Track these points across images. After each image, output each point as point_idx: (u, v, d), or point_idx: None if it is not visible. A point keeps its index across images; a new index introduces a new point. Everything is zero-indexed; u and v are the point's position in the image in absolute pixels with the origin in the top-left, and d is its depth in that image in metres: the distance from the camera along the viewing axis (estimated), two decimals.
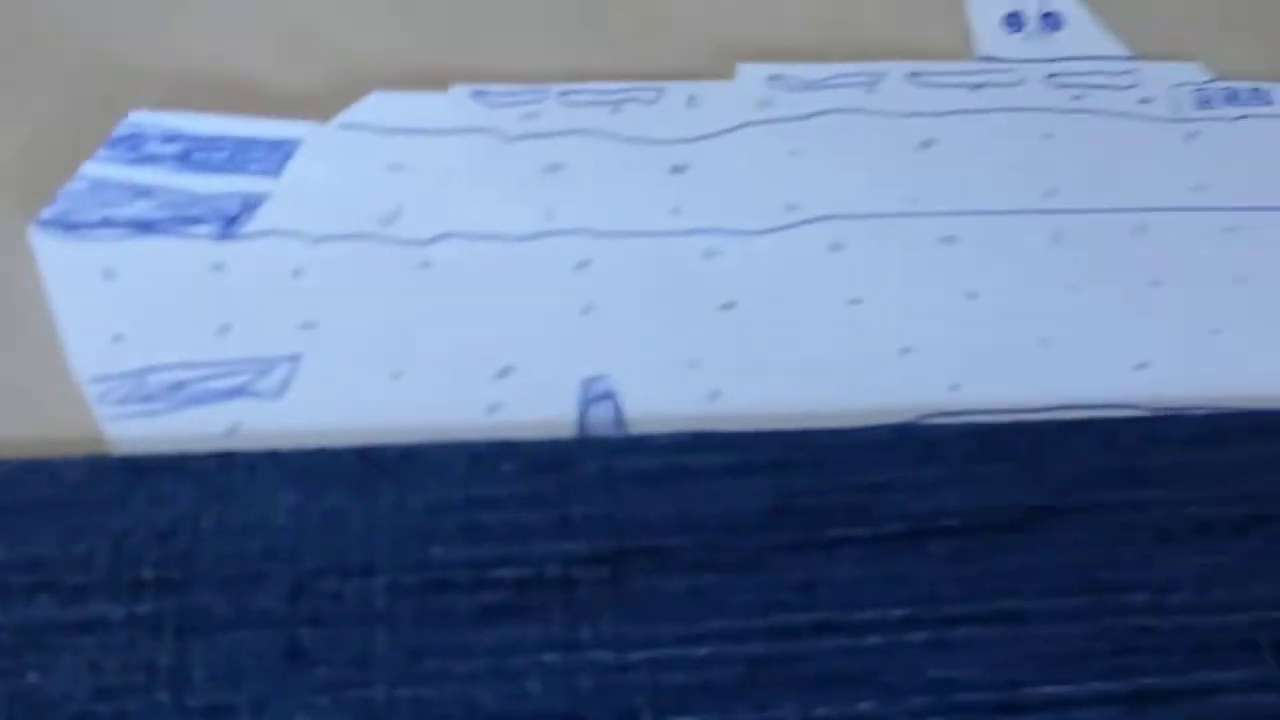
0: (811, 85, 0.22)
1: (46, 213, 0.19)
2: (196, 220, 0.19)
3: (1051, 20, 0.23)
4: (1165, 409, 0.19)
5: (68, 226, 0.19)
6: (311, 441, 0.18)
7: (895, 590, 0.17)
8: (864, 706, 0.16)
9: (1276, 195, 0.22)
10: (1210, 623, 0.17)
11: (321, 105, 0.20)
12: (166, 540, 0.16)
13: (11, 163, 0.19)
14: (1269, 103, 0.23)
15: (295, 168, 0.20)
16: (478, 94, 0.21)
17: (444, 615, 0.16)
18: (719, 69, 0.21)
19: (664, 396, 0.19)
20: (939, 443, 0.18)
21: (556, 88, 0.21)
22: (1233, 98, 0.23)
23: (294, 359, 0.18)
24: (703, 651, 0.17)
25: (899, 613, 0.17)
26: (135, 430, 0.17)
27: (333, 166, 0.20)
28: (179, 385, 0.18)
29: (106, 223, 0.19)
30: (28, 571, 0.16)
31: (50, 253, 0.19)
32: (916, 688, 0.16)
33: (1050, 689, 0.17)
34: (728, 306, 0.20)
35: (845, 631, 0.17)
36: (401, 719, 0.15)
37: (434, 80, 0.20)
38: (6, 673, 0.15)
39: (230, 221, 0.19)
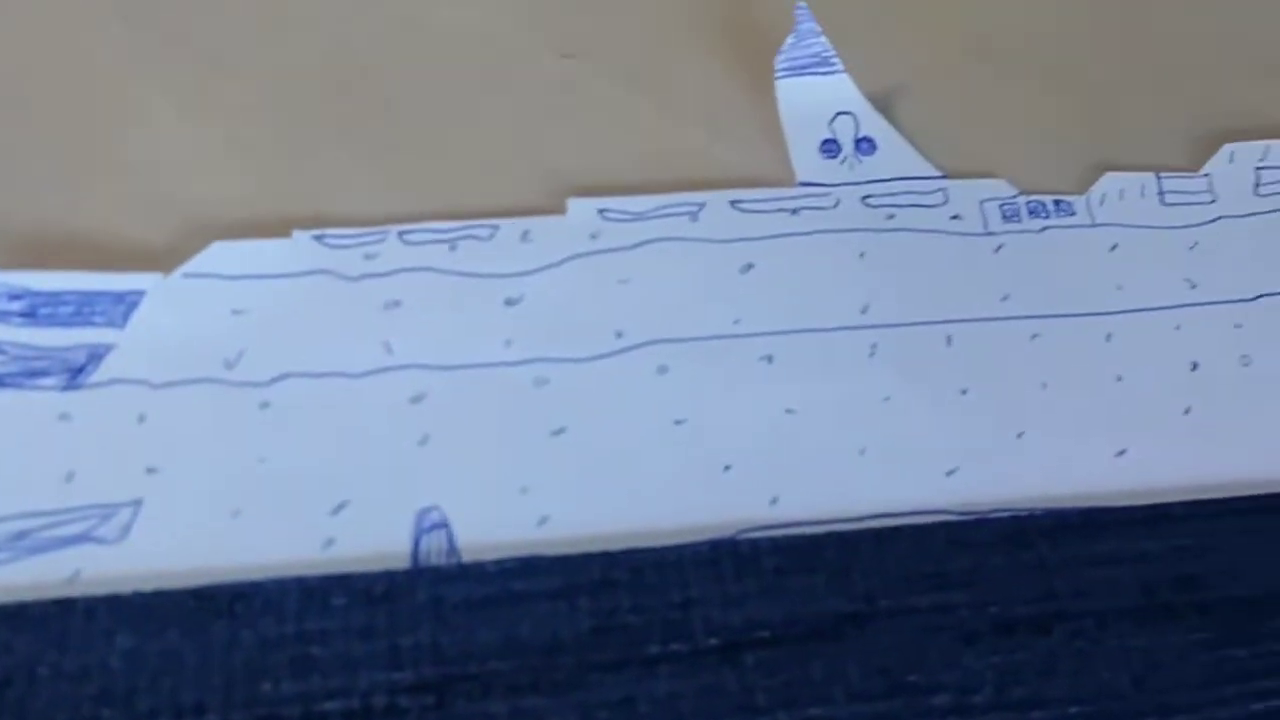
0: (638, 216, 0.23)
1: None
2: (43, 373, 0.20)
3: (866, 145, 0.24)
4: (972, 512, 0.21)
5: None
6: (151, 584, 0.18)
7: (711, 702, 0.18)
8: None
9: (1076, 302, 0.23)
10: (1007, 709, 0.18)
11: (166, 257, 0.21)
12: (3, 690, 0.17)
13: None
14: (1072, 213, 0.24)
15: (140, 318, 0.20)
16: (319, 238, 0.22)
17: None
18: (552, 205, 0.23)
19: (495, 524, 0.20)
20: (754, 556, 0.20)
21: (396, 228, 0.22)
22: (1037, 210, 0.24)
23: (136, 503, 0.19)
24: None
25: None
26: None
27: (177, 315, 0.21)
28: (21, 535, 0.19)
29: None
30: None
31: None
32: None
33: None
34: (558, 433, 0.21)
35: None
36: None
37: (277, 227, 0.21)
38: None
39: (76, 372, 0.20)
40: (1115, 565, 0.20)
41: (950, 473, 0.21)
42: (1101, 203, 0.25)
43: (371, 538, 0.19)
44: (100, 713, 0.17)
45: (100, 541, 0.19)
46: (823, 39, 0.24)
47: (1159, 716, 0.19)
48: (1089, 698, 0.19)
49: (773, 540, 0.20)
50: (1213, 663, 0.19)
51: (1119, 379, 0.22)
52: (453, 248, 0.22)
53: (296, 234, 0.22)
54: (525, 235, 0.22)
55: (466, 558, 0.19)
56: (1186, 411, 0.22)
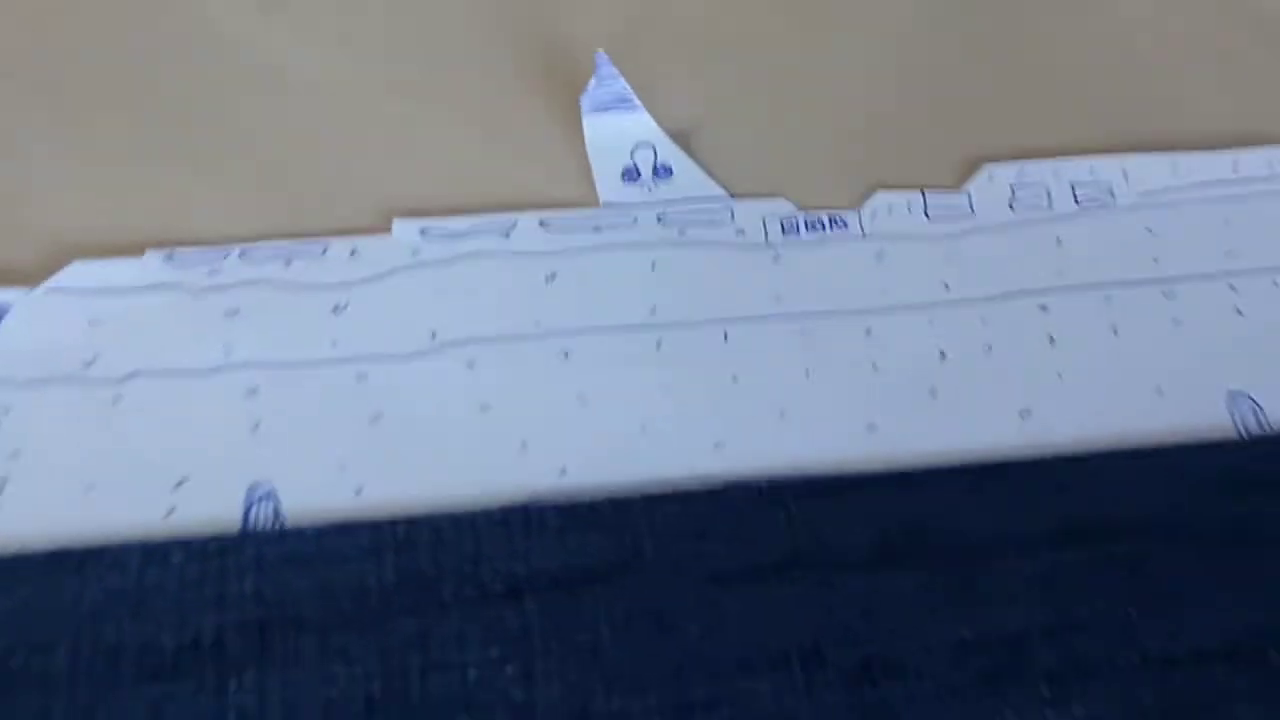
0: (455, 235, 0.26)
1: None
2: None
3: (663, 172, 0.28)
4: (735, 480, 0.24)
5: None
6: (12, 549, 0.21)
7: (493, 634, 0.21)
8: None
9: (842, 302, 0.27)
10: (751, 639, 0.22)
11: (32, 275, 0.24)
12: None
13: None
14: (845, 226, 0.28)
15: (6, 328, 0.24)
16: (169, 257, 0.25)
17: (112, 678, 0.20)
18: (380, 225, 0.26)
19: (316, 495, 0.23)
20: (540, 518, 0.23)
21: (237, 248, 0.25)
22: (813, 225, 0.28)
23: (2, 482, 0.22)
24: (332, 692, 0.20)
25: (494, 652, 0.21)
26: None
27: (40, 324, 0.24)
28: None
29: None
30: None
31: None
32: (503, 714, 0.21)
33: (618, 702, 0.21)
34: (375, 419, 0.24)
35: (450, 669, 0.21)
36: None
37: (131, 248, 0.25)
38: None
39: None
40: (854, 521, 0.23)
41: (718, 445, 0.24)
42: (872, 217, 0.28)
43: (207, 508, 0.22)
44: None
45: None
46: (621, 81, 0.28)
47: (886, 645, 0.22)
48: (825, 632, 0.22)
49: (556, 505, 0.23)
50: (934, 601, 0.23)
51: (874, 366, 0.26)
52: (288, 264, 0.25)
53: (149, 253, 0.25)
54: (354, 252, 0.26)
55: (290, 525, 0.22)
56: (932, 393, 0.26)
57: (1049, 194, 0.29)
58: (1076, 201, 0.29)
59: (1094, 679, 0.22)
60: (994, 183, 0.29)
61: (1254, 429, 0.26)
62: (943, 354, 0.26)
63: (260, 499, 0.23)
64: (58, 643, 0.20)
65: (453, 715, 0.20)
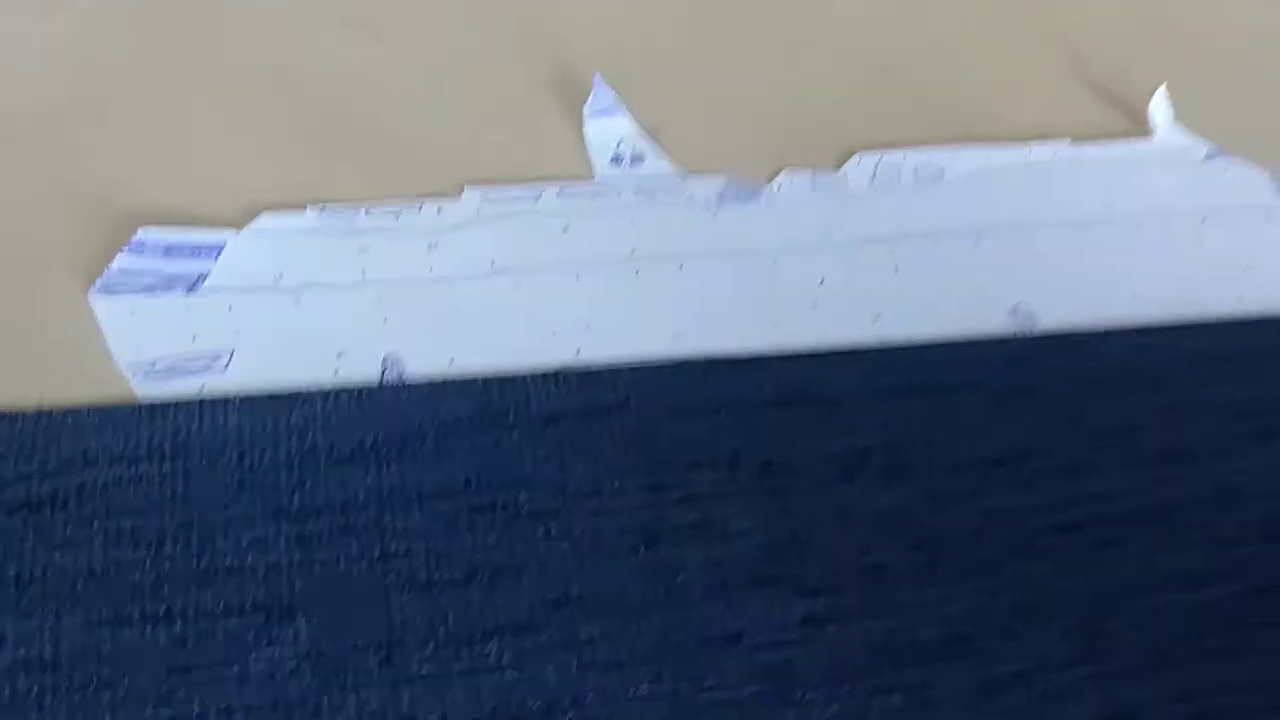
0: (504, 200, 0.40)
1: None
2: (171, 286, 0.36)
3: (638, 157, 0.42)
4: (691, 355, 0.38)
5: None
6: (240, 394, 0.35)
7: (540, 446, 0.35)
8: None
9: (759, 243, 0.40)
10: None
11: (233, 221, 0.37)
12: None
13: None
14: (761, 194, 0.42)
15: (226, 255, 0.37)
16: (321, 210, 0.38)
17: (314, 462, 0.34)
18: (455, 192, 0.40)
19: (425, 364, 0.36)
20: (564, 377, 0.36)
21: (364, 207, 0.39)
22: (740, 193, 0.42)
23: (231, 351, 0.36)
24: (439, 477, 0.34)
25: (541, 453, 0.35)
26: None
27: (244, 254, 0.37)
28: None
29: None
30: None
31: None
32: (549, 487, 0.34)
33: (613, 483, 0.35)
34: (455, 314, 0.37)
35: (510, 465, 0.35)
36: None
37: (296, 205, 0.38)
38: None
39: (192, 285, 0.36)
40: (761, 378, 0.37)
41: (676, 335, 0.38)
42: (779, 188, 0.42)
43: (358, 370, 0.36)
44: None
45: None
46: (612, 94, 0.42)
47: (783, 453, 0.36)
48: (744, 445, 0.36)
49: (574, 370, 0.37)
50: (814, 426, 0.37)
51: (777, 285, 0.40)
52: (397, 217, 0.39)
53: (309, 209, 0.38)
54: (439, 210, 0.39)
55: (408, 380, 0.36)
56: (814, 305, 0.40)
57: (899, 173, 0.43)
58: (918, 178, 0.43)
59: (913, 476, 0.36)
60: (861, 165, 0.43)
61: (1026, 329, 0.40)
62: (822, 280, 0.40)
63: (391, 364, 0.36)
64: (281, 441, 0.34)
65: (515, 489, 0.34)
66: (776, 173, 0.42)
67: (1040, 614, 0.34)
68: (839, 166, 0.43)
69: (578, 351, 0.37)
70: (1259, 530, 0.36)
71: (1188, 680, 0.33)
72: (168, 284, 0.36)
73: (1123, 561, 0.35)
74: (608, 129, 0.42)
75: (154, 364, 0.35)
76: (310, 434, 0.34)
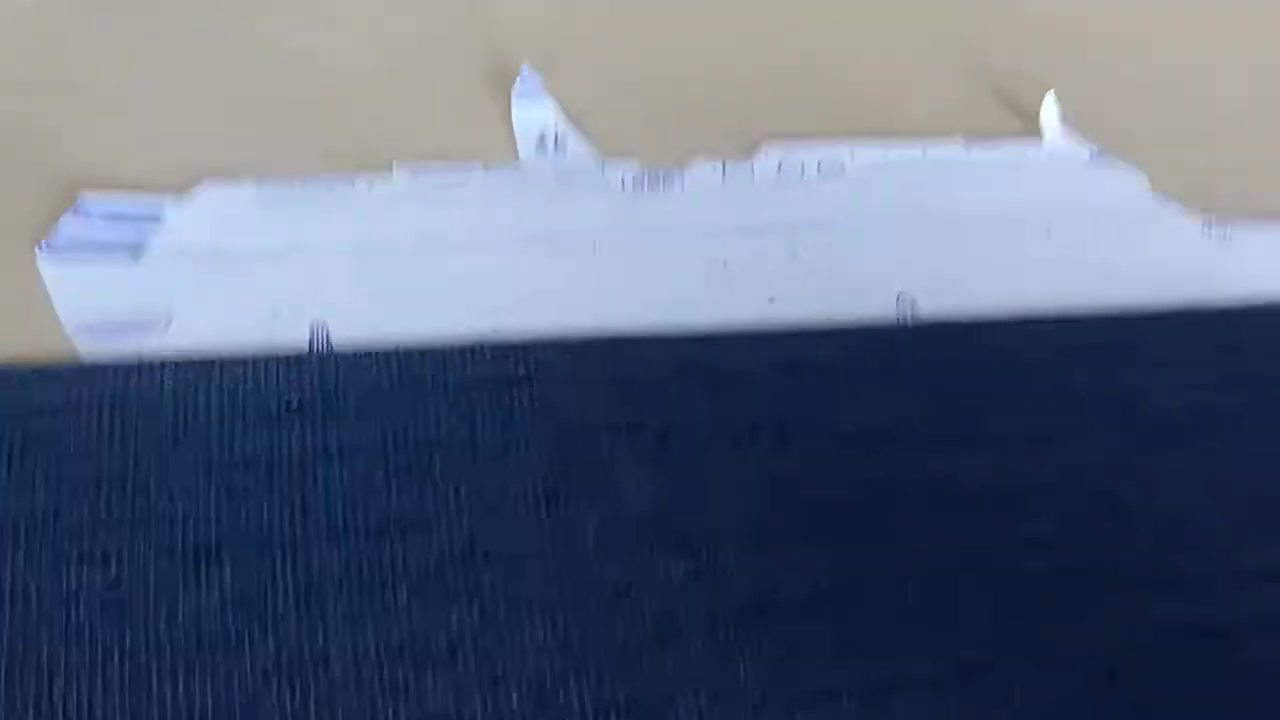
0: (436, 178, 0.43)
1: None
2: (114, 248, 0.39)
3: (560, 143, 0.45)
4: (607, 331, 0.41)
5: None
6: (179, 358, 0.38)
7: (462, 410, 0.38)
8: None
9: (667, 224, 0.44)
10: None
11: (177, 189, 0.40)
12: None
13: None
14: (672, 180, 0.45)
15: (169, 220, 0.40)
16: (259, 182, 0.41)
17: (242, 422, 0.37)
18: (386, 168, 0.42)
19: (355, 331, 0.39)
20: (482, 348, 0.40)
21: (300, 180, 0.41)
22: (653, 178, 0.45)
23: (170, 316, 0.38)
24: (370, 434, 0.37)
25: (464, 408, 0.38)
26: None
27: (190, 219, 0.40)
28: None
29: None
30: None
31: None
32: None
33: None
34: (381, 281, 0.40)
35: (430, 424, 0.38)
36: None
37: (231, 174, 0.41)
38: None
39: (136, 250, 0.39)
40: (661, 354, 0.41)
41: (595, 313, 0.41)
42: (690, 176, 0.45)
43: (289, 334, 0.39)
44: None
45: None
46: (538, 81, 0.45)
47: (683, 418, 0.39)
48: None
49: (497, 342, 0.40)
50: (717, 400, 0.40)
51: (681, 265, 0.43)
52: (330, 189, 0.42)
53: (247, 181, 0.41)
54: (370, 185, 0.42)
55: (336, 347, 0.39)
56: (717, 286, 0.43)
57: (803, 166, 0.46)
58: (820, 172, 0.46)
59: (797, 447, 0.39)
60: (768, 157, 0.46)
61: (909, 315, 0.44)
62: (725, 262, 0.44)
63: (319, 328, 0.39)
64: (213, 400, 0.37)
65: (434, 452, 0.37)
66: (689, 162, 0.45)
67: (898, 575, 0.38)
68: (747, 157, 0.46)
69: (495, 325, 0.40)
70: (1104, 506, 0.40)
71: (1031, 637, 0.37)
72: (111, 248, 0.39)
73: (977, 532, 0.39)
74: (533, 115, 0.45)
75: (97, 325, 0.38)
76: (240, 394, 0.37)
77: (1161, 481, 0.41)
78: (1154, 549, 0.39)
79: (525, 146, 0.44)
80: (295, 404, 0.37)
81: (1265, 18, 0.55)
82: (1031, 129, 0.49)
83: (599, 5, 0.49)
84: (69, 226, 0.39)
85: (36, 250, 0.38)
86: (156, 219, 0.40)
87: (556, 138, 0.45)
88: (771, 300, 0.43)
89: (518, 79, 0.45)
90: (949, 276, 0.44)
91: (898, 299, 0.44)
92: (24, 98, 0.42)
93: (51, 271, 0.38)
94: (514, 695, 0.34)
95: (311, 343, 0.39)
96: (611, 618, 0.36)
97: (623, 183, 0.44)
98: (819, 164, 0.46)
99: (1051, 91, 0.49)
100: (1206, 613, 0.38)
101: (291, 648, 0.34)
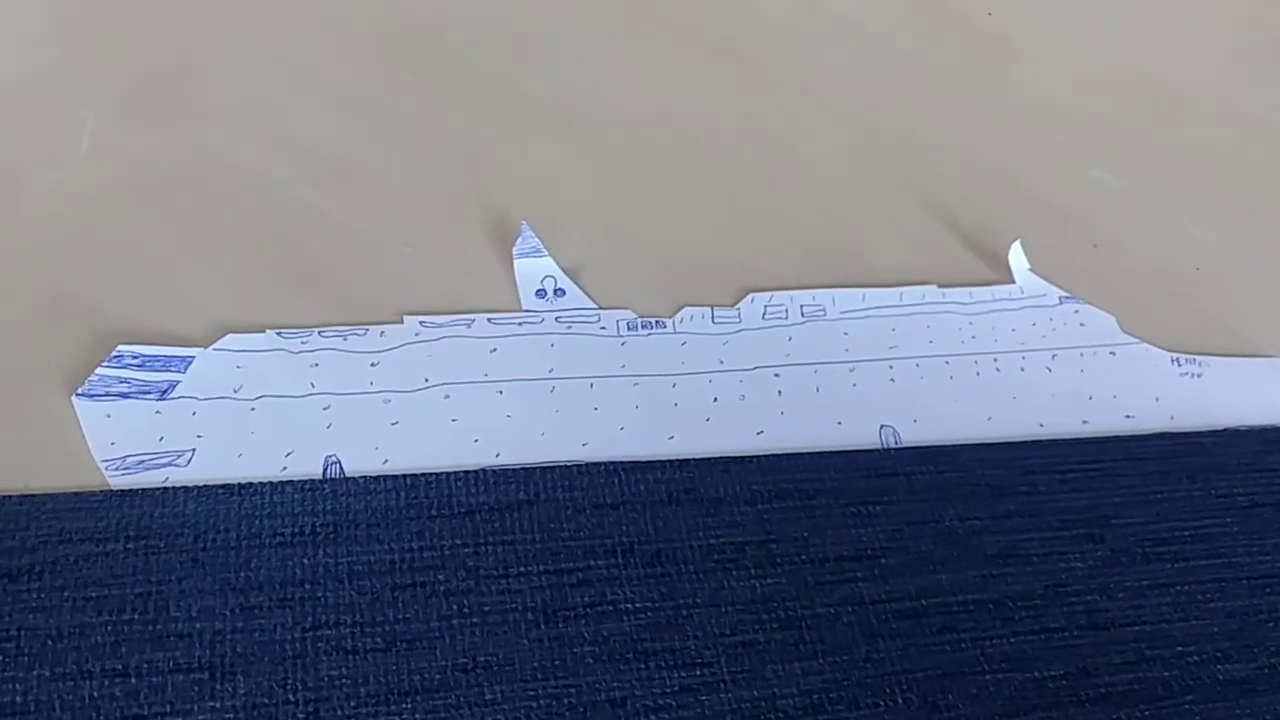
0: (439, 325, 0.46)
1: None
2: (147, 392, 0.42)
3: (560, 293, 0.48)
4: (593, 460, 0.44)
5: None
6: (201, 484, 0.40)
7: (462, 535, 0.41)
8: None
9: (661, 369, 0.47)
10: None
11: (199, 340, 0.43)
12: None
13: None
14: (665, 326, 0.48)
15: (194, 369, 0.43)
16: (279, 333, 0.44)
17: (260, 543, 0.39)
18: (396, 319, 0.46)
19: (362, 463, 0.42)
20: (484, 476, 0.42)
21: (317, 329, 0.45)
22: (646, 324, 0.48)
23: (193, 452, 0.41)
24: (379, 554, 0.40)
25: (468, 533, 0.40)
26: None
27: (210, 368, 0.43)
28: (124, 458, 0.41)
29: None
30: None
31: None
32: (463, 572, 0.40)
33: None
34: (394, 424, 0.43)
35: (434, 551, 0.40)
36: None
37: (256, 327, 0.44)
38: None
39: (163, 393, 0.42)
40: (656, 481, 0.43)
41: (585, 444, 0.44)
42: (680, 321, 0.48)
43: (304, 467, 0.42)
44: None
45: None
46: (536, 239, 0.48)
47: (666, 541, 0.41)
48: (637, 534, 0.41)
49: (493, 470, 0.42)
50: (701, 520, 0.42)
51: (676, 405, 0.46)
52: (345, 339, 0.45)
53: (268, 331, 0.45)
54: (382, 333, 0.45)
55: (348, 476, 0.42)
56: (709, 420, 0.46)
57: (787, 310, 0.49)
58: (803, 315, 0.49)
59: (783, 566, 0.41)
60: (754, 303, 0.49)
61: (892, 445, 0.46)
62: (715, 399, 0.46)
63: (332, 463, 0.42)
64: (231, 526, 0.39)
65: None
66: (679, 309, 0.49)
67: (886, 688, 0.39)
68: (734, 303, 0.49)
69: (497, 455, 0.43)
70: (1082, 620, 0.41)
71: None
72: (141, 391, 0.42)
73: (960, 645, 0.40)
74: (533, 267, 0.48)
75: (125, 459, 0.41)
76: (257, 520, 0.40)
77: (1137, 597, 0.42)
78: (1133, 662, 0.41)
79: (527, 296, 0.48)
80: (309, 529, 0.40)
81: (1223, 166, 0.59)
82: (1001, 275, 0.52)
83: (591, 172, 0.53)
84: (103, 372, 0.42)
85: (74, 396, 0.41)
86: (185, 365, 0.43)
87: (555, 288, 0.48)
88: (760, 433, 0.45)
89: (518, 236, 0.48)
90: (929, 410, 0.47)
91: (880, 431, 0.46)
92: (66, 259, 0.46)
93: (85, 411, 0.41)
94: None
95: (324, 474, 0.41)
96: None
97: (618, 327, 0.48)
98: (802, 308, 0.49)
99: (1019, 240, 0.52)
100: None
101: None
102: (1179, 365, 0.50)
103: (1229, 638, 0.42)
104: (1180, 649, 0.41)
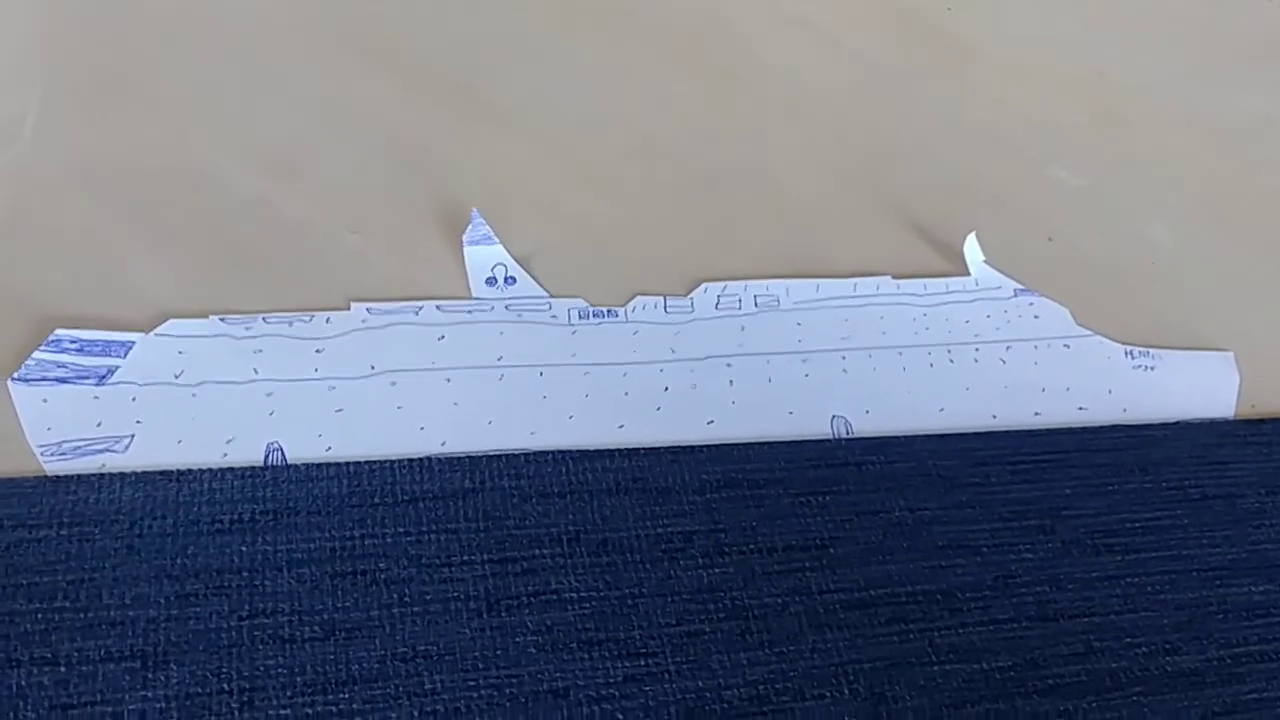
0: (387, 312, 0.45)
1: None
2: (85, 377, 0.41)
3: (511, 280, 0.48)
4: (540, 449, 0.43)
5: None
6: (142, 469, 0.40)
7: (411, 519, 0.40)
8: None
9: (612, 357, 0.46)
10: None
11: (142, 326, 0.43)
12: None
13: None
14: (617, 315, 0.48)
15: (134, 354, 0.42)
16: (222, 319, 0.44)
17: (199, 529, 0.38)
18: (343, 305, 0.45)
19: (304, 450, 0.41)
20: (430, 464, 0.42)
21: (261, 315, 0.44)
22: (598, 313, 0.48)
23: (131, 438, 0.40)
24: (310, 544, 0.39)
25: (412, 515, 0.40)
26: None
27: (152, 353, 0.42)
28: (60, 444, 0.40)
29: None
30: None
31: None
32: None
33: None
34: (338, 411, 0.43)
35: (377, 537, 0.39)
36: None
37: (199, 313, 0.43)
38: None
39: (101, 378, 0.41)
40: (608, 469, 0.43)
41: (533, 433, 0.43)
42: (633, 310, 0.48)
43: (245, 454, 0.41)
44: None
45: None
46: (487, 226, 0.48)
47: (611, 529, 0.41)
48: (581, 523, 0.41)
49: (439, 459, 0.42)
50: (643, 508, 0.42)
51: (626, 394, 0.45)
52: (290, 324, 0.44)
53: (212, 317, 0.44)
54: (328, 320, 0.45)
55: (290, 463, 0.41)
56: (659, 409, 0.45)
57: (740, 300, 0.49)
58: (756, 305, 0.49)
59: (730, 556, 0.41)
60: (707, 293, 0.49)
61: (844, 435, 0.46)
62: (666, 388, 0.46)
63: (274, 450, 0.41)
64: (169, 513, 0.39)
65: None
66: (632, 298, 0.48)
67: (833, 679, 0.39)
68: (687, 293, 0.49)
69: (443, 444, 0.42)
70: (1031, 611, 0.41)
71: None
72: (79, 376, 0.41)
73: (908, 636, 0.40)
74: (484, 255, 0.48)
75: (61, 444, 0.40)
76: (196, 507, 0.39)
77: (1087, 589, 0.42)
78: (1081, 654, 0.41)
79: (477, 284, 0.47)
80: (248, 516, 0.39)
81: (1178, 167, 0.59)
82: (957, 270, 0.52)
83: (543, 162, 0.52)
84: (40, 356, 0.41)
85: (9, 380, 0.41)
86: (125, 350, 0.42)
87: (506, 276, 0.48)
88: (710, 423, 0.45)
89: (469, 224, 0.48)
90: (881, 401, 0.47)
91: (832, 421, 0.46)
92: (3, 244, 0.45)
93: (21, 396, 0.40)
94: None
95: (266, 461, 0.41)
96: (551, 719, 0.36)
97: (569, 316, 0.47)
98: (755, 298, 0.49)
99: (974, 232, 0.52)
100: (1135, 715, 0.39)
101: None
102: (1132, 358, 0.50)
103: (1178, 630, 0.41)
104: (1129, 641, 0.41)
